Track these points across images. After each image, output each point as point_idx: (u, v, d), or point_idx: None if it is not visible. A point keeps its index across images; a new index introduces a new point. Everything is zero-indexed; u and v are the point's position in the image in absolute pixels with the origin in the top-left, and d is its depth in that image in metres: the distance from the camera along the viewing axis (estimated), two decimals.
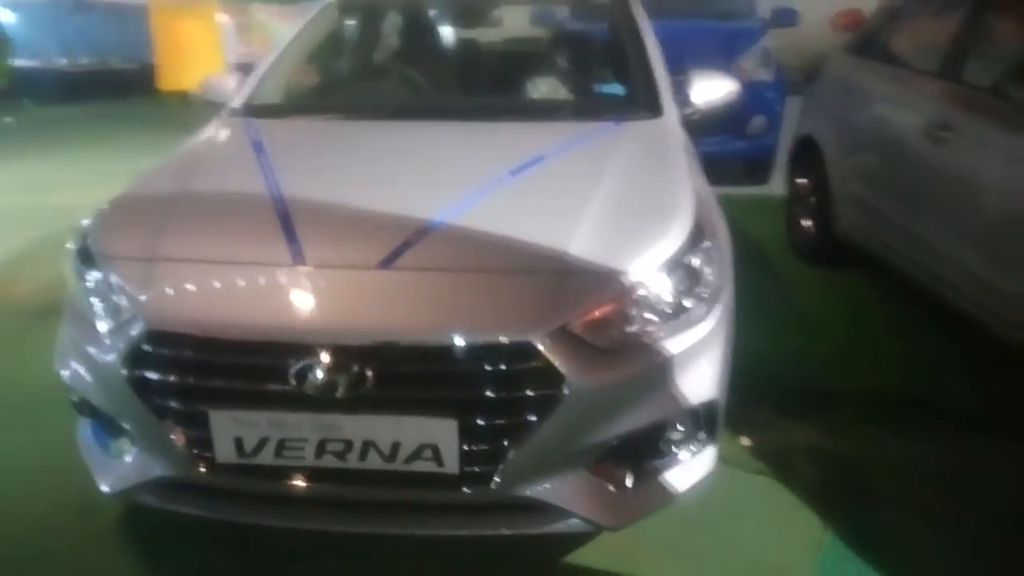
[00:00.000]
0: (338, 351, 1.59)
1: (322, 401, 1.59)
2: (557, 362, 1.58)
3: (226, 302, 1.73)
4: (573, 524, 1.74)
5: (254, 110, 2.77)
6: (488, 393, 1.59)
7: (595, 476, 1.73)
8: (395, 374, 1.60)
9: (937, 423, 2.71)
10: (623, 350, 1.67)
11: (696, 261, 1.82)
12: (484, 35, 3.43)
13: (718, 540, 2.09)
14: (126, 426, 1.80)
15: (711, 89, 2.79)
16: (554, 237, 1.79)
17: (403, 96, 3.06)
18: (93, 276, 1.87)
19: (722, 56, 5.21)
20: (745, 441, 2.51)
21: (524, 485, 1.67)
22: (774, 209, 4.84)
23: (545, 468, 1.67)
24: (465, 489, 1.65)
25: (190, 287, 1.77)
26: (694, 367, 1.75)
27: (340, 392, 1.58)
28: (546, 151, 2.24)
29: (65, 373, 1.90)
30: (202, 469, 1.72)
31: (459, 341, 1.58)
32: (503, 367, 1.59)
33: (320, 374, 1.58)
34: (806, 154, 4.37)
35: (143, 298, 1.73)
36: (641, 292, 1.71)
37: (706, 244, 1.87)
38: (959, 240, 2.95)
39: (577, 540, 2.04)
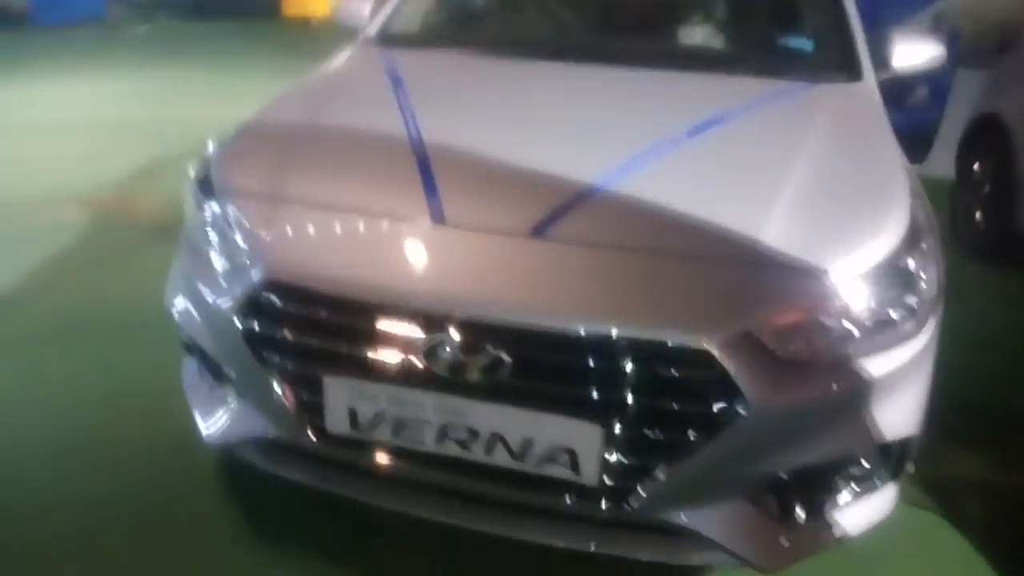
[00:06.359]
0: (475, 328, 1.37)
1: (450, 382, 1.39)
2: (735, 374, 1.30)
3: (354, 257, 1.52)
4: (720, 558, 1.49)
5: (391, 39, 2.55)
6: (644, 400, 1.34)
7: (755, 508, 1.46)
8: (536, 362, 1.37)
9: None
10: (814, 366, 1.38)
11: (911, 264, 1.49)
12: None
13: None
14: (234, 377, 1.65)
15: (914, 52, 2.38)
16: (740, 219, 1.49)
17: (552, 32, 2.75)
18: (212, 209, 1.71)
19: (892, 17, 4.62)
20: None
21: (671, 509, 1.43)
22: (932, 194, 4.31)
23: (700, 493, 1.42)
24: (602, 503, 1.42)
25: (316, 236, 1.58)
26: (895, 395, 1.44)
27: (472, 374, 1.37)
28: (726, 111, 1.93)
29: (175, 310, 1.77)
30: (311, 436, 1.55)
31: (616, 334, 1.33)
32: (667, 372, 1.33)
33: (451, 351, 1.37)
34: (986, 135, 3.84)
35: (265, 243, 1.56)
36: (842, 297, 1.40)
37: (924, 245, 1.53)
38: None
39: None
